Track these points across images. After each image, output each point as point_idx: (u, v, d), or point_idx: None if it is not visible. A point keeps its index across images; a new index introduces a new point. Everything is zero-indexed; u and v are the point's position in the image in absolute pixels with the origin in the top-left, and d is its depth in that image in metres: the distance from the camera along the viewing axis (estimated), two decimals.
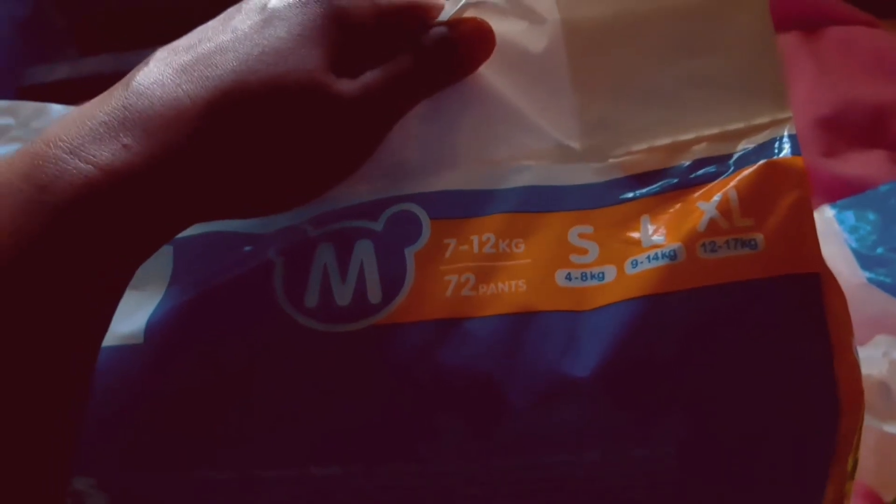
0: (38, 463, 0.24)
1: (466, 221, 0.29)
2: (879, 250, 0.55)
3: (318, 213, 0.30)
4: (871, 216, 0.57)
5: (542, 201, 0.29)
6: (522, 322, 0.27)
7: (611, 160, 0.30)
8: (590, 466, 0.27)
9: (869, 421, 0.50)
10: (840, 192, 0.63)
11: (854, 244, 0.56)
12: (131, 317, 0.29)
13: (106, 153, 0.24)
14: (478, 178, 0.30)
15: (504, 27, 0.31)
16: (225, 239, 0.30)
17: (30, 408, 0.24)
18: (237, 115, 0.26)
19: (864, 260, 0.55)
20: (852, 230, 0.57)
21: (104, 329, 0.26)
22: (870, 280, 0.54)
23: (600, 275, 0.28)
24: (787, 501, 0.28)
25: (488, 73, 0.31)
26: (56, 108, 0.35)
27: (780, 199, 0.27)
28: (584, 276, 0.28)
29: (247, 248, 0.30)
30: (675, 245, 0.27)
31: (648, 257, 0.27)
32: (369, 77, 0.28)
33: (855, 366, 0.27)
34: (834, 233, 0.57)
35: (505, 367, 0.27)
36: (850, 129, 0.70)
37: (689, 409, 0.26)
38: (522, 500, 0.28)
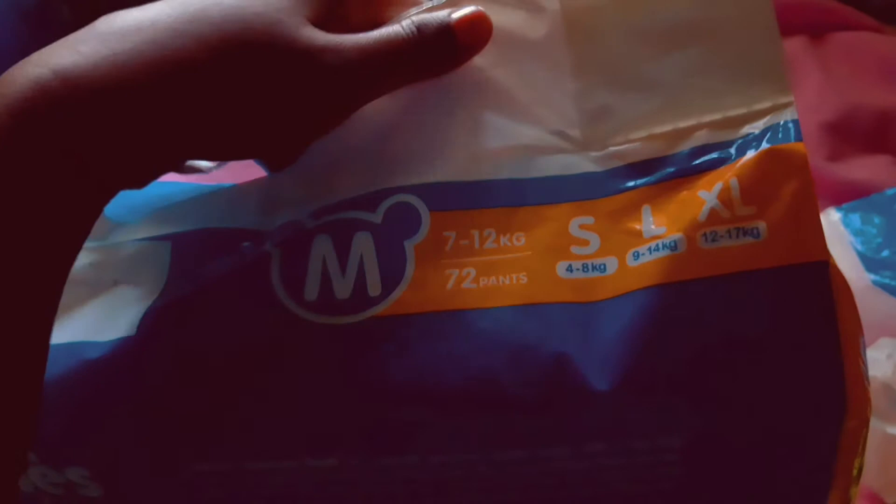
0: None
1: (466, 213, 0.29)
2: (885, 253, 0.56)
3: (316, 207, 0.29)
4: (877, 219, 0.57)
5: (542, 193, 0.29)
6: (524, 314, 0.27)
7: (611, 149, 0.30)
8: (591, 460, 0.27)
9: (873, 423, 0.50)
10: (846, 195, 0.63)
11: (859, 247, 0.56)
12: (126, 311, 0.29)
13: (58, 58, 0.25)
14: (477, 168, 0.30)
15: (502, 17, 0.31)
16: (223, 235, 0.30)
17: None
18: (198, 38, 0.26)
19: (870, 263, 0.55)
20: (858, 233, 0.57)
21: (72, 250, 0.26)
22: (875, 283, 0.55)
23: (602, 266, 0.28)
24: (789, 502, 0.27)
25: (485, 62, 0.31)
26: None
27: (783, 187, 0.27)
28: (585, 268, 0.28)
29: (245, 245, 0.29)
30: (676, 236, 0.27)
31: (650, 248, 0.27)
32: (353, 39, 0.28)
33: (861, 361, 0.27)
34: (839, 235, 0.57)
35: (507, 359, 0.27)
36: (855, 133, 0.70)
37: (693, 402, 0.26)
38: (523, 493, 0.28)
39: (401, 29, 0.29)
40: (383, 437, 0.27)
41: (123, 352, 0.28)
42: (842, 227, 0.57)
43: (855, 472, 0.27)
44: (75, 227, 0.26)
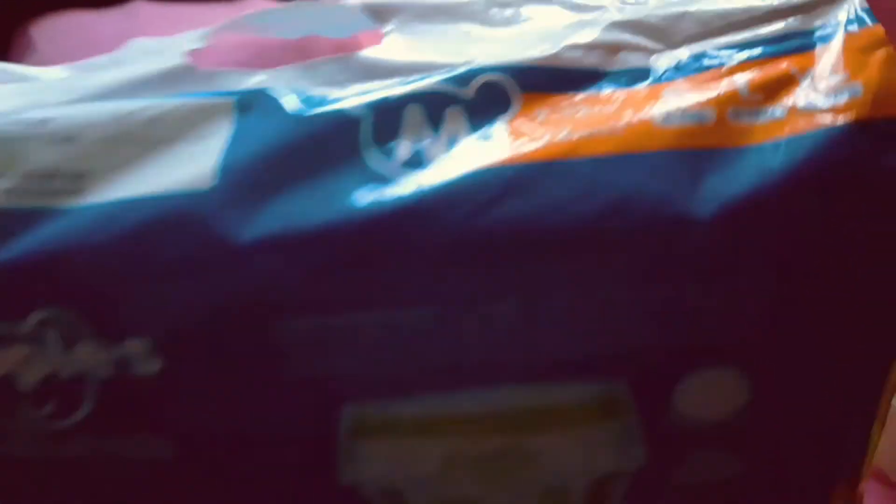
0: None
1: (557, 96, 0.29)
2: None
3: (405, 77, 0.29)
4: None
5: (632, 79, 0.30)
6: (624, 163, 0.27)
7: (691, 44, 0.31)
8: (688, 299, 0.27)
9: None
10: None
11: None
12: (203, 161, 0.26)
13: None
14: (572, 57, 0.30)
15: None
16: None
17: None
18: None
19: None
20: None
21: None
22: None
23: (699, 115, 0.28)
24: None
25: None
26: None
27: (870, 59, 0.28)
28: (683, 115, 0.28)
29: (328, 105, 0.28)
30: (776, 105, 0.28)
31: (749, 112, 0.28)
32: None
33: None
34: None
35: (606, 206, 0.27)
36: None
37: (782, 243, 0.27)
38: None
39: None
40: (482, 283, 0.26)
41: (195, 205, 0.25)
42: None
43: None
44: None
